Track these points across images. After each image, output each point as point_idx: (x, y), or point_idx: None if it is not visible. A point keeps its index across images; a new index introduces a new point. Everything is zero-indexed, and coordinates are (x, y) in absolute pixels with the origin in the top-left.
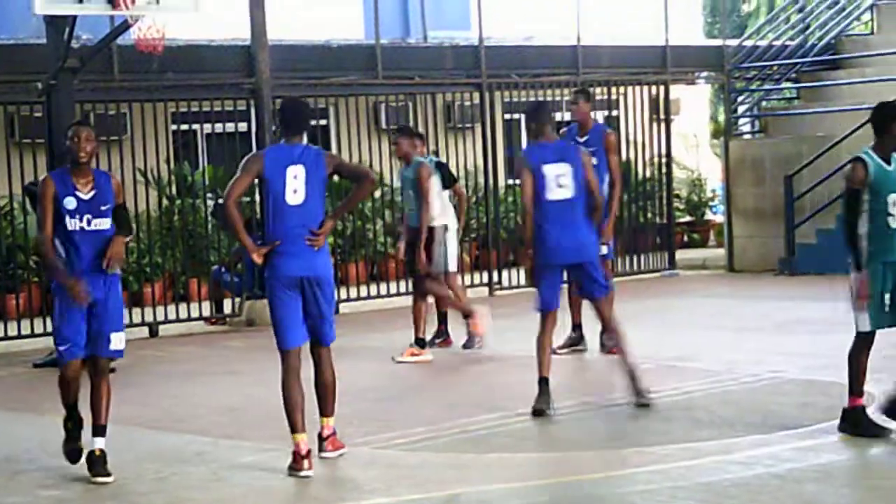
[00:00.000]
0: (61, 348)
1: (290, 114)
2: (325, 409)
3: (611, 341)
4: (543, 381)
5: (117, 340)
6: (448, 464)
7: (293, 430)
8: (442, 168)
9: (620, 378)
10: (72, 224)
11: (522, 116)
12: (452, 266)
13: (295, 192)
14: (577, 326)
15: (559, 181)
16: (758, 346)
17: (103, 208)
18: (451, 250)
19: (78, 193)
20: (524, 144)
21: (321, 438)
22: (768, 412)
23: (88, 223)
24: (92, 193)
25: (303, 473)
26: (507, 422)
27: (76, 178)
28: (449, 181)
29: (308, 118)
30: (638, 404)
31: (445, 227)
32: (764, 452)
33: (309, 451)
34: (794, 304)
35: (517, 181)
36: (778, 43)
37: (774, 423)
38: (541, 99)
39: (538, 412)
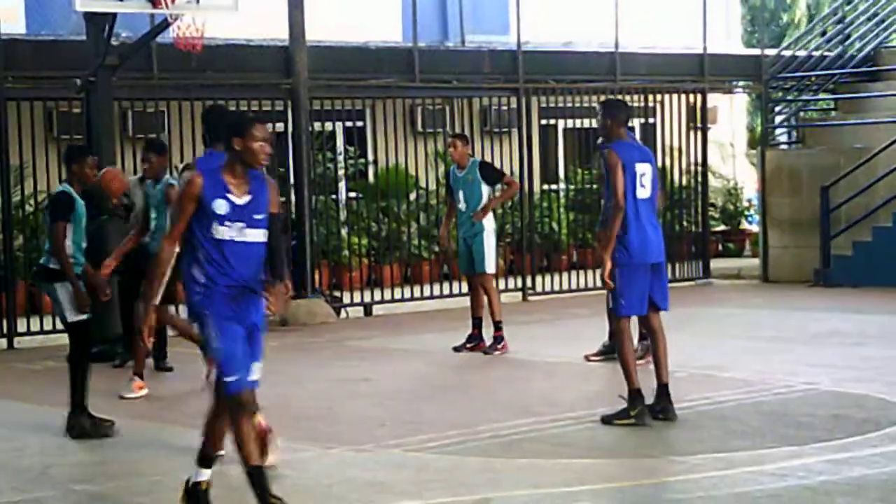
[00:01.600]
0: (229, 379)
1: (216, 121)
2: None
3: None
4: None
5: (258, 371)
6: (479, 468)
7: None
8: (485, 167)
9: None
10: (221, 232)
11: (561, 122)
12: (490, 268)
13: None
14: (612, 335)
15: (642, 181)
16: (791, 357)
17: (257, 217)
18: (488, 251)
19: (231, 196)
20: (560, 150)
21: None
22: (801, 423)
23: (240, 232)
24: (247, 198)
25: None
26: (539, 427)
27: (230, 177)
28: (494, 178)
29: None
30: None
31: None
32: (796, 464)
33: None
34: (829, 316)
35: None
36: (816, 53)
37: (807, 435)
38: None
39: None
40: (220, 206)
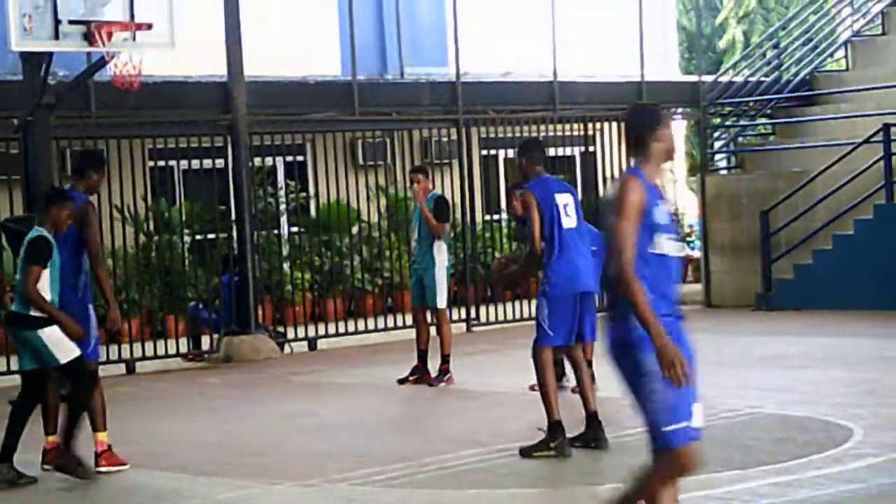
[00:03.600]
0: (671, 428)
1: (74, 161)
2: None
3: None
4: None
5: (700, 414)
6: (427, 500)
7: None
8: (439, 203)
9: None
10: (661, 245)
11: (502, 152)
12: (442, 303)
13: None
14: (557, 362)
15: (567, 210)
16: (735, 382)
17: (677, 226)
18: (440, 287)
19: (663, 203)
20: (501, 180)
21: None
22: (746, 447)
23: (674, 246)
24: (670, 204)
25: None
26: (486, 458)
27: (655, 180)
28: (441, 217)
29: (86, 165)
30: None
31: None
32: (742, 488)
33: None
34: (772, 340)
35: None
36: (753, 79)
37: (752, 459)
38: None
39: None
40: (661, 215)
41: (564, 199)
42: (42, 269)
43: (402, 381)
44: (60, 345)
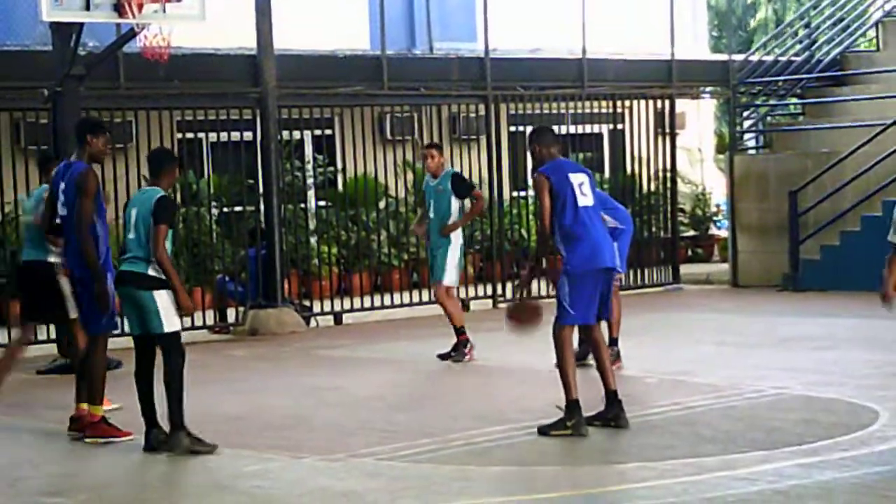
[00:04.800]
0: None
1: (77, 130)
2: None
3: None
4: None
5: None
6: (452, 476)
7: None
8: (456, 180)
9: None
10: None
11: (530, 129)
12: (447, 280)
13: (62, 204)
14: (582, 341)
15: (582, 189)
16: (761, 362)
17: None
18: (450, 264)
19: None
20: (529, 157)
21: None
22: (771, 428)
23: None
24: None
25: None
26: (512, 435)
27: None
28: (464, 191)
29: (83, 131)
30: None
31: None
32: (767, 469)
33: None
34: (798, 320)
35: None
36: (784, 58)
37: (777, 440)
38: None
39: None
40: None
41: (579, 179)
42: (169, 228)
43: (443, 357)
44: (168, 312)
